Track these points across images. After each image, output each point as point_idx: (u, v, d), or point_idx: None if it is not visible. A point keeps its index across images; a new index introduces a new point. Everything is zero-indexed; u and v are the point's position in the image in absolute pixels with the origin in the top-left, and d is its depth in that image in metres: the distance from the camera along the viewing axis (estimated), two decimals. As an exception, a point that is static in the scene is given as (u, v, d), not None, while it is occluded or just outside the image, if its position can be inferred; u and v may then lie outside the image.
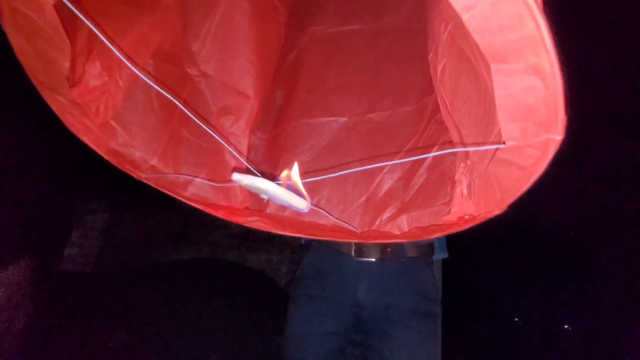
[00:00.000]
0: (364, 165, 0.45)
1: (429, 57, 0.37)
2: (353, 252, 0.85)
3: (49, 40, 0.22)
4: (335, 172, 0.43)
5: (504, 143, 0.22)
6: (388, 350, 0.83)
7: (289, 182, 0.29)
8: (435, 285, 0.92)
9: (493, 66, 0.19)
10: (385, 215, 0.40)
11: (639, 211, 0.61)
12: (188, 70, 0.46)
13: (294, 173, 0.29)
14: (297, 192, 0.29)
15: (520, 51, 0.18)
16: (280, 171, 0.45)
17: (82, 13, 0.26)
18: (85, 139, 0.29)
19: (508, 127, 0.21)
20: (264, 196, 0.30)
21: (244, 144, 0.43)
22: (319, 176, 0.45)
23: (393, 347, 0.83)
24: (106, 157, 0.31)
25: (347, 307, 0.87)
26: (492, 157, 0.24)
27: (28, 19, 0.21)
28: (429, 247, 0.88)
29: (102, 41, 0.24)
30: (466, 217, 0.30)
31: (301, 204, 0.29)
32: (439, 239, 0.92)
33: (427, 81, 0.39)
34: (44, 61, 0.24)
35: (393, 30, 0.45)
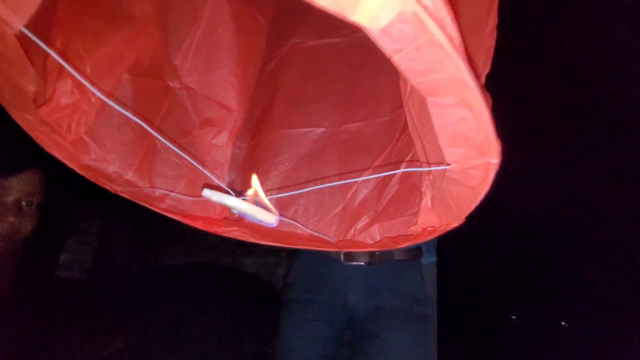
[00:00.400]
0: (340, 175, 0.46)
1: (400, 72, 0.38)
2: (342, 256, 0.86)
3: (13, 64, 0.23)
4: (312, 183, 0.44)
5: (449, 165, 0.23)
6: (378, 352, 0.84)
7: (256, 198, 0.30)
8: (424, 288, 0.93)
9: (428, 99, 0.20)
10: (360, 224, 0.41)
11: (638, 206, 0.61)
12: (170, 83, 0.47)
13: (259, 189, 0.30)
14: (265, 207, 0.30)
15: (448, 88, 0.19)
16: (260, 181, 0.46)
17: (52, 30, 0.27)
18: (57, 155, 0.30)
19: (450, 151, 0.22)
20: (234, 211, 0.31)
21: (226, 155, 0.44)
22: (297, 188, 0.46)
23: (383, 349, 0.84)
24: (80, 172, 0.32)
25: (337, 311, 0.88)
26: (444, 175, 0.25)
27: (-10, 45, 0.22)
28: (417, 250, 0.89)
29: (73, 59, 0.25)
30: (429, 228, 0.30)
31: (270, 218, 0.30)
32: (426, 243, 0.94)
33: (400, 93, 0.40)
34: (9, 83, 0.25)
35: (368, 44, 0.46)
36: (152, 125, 0.38)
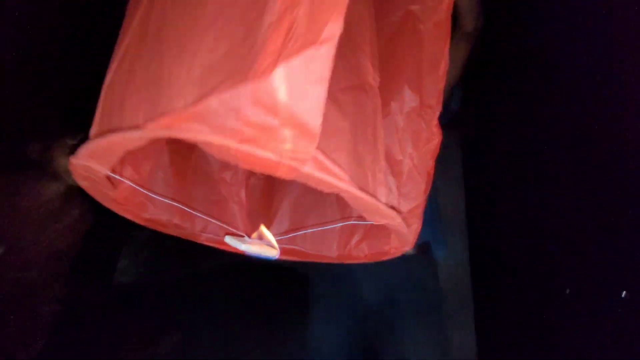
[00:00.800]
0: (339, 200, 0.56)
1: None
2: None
3: (101, 184, 0.36)
4: (316, 210, 0.55)
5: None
6: (396, 341, 0.95)
7: (262, 240, 0.42)
8: (436, 280, 1.03)
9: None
10: (353, 241, 0.52)
11: None
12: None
13: (268, 235, 0.42)
14: (271, 245, 0.42)
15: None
16: (275, 209, 0.58)
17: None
18: (125, 215, 0.44)
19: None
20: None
21: (242, 194, 0.57)
22: (305, 212, 0.57)
23: (400, 339, 0.95)
24: (142, 224, 0.46)
25: (356, 304, 1.00)
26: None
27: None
28: (425, 246, 1.00)
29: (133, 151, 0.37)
30: (392, 249, 0.41)
31: (272, 253, 0.42)
32: (435, 237, 1.04)
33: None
34: (98, 193, 0.38)
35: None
36: (185, 182, 0.51)
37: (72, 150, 0.35)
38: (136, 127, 0.25)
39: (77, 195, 0.77)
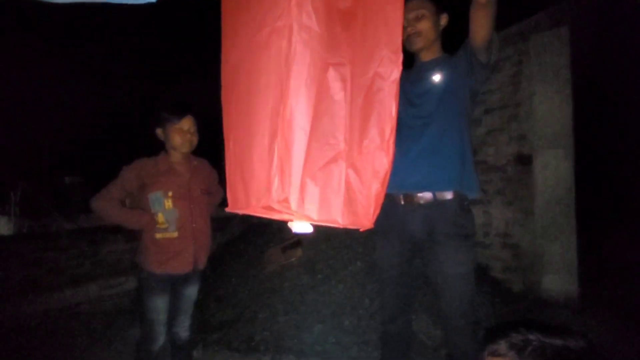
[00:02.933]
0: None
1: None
2: (402, 200, 1.40)
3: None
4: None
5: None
6: (435, 260, 1.36)
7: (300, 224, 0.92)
8: (465, 217, 1.37)
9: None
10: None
11: None
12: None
13: (304, 224, 0.92)
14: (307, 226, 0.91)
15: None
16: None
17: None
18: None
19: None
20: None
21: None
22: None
23: (438, 257, 1.35)
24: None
25: (403, 235, 1.44)
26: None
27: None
28: (457, 193, 1.35)
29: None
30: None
31: (308, 229, 0.91)
32: (466, 183, 1.39)
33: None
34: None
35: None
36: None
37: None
38: (246, 205, 0.79)
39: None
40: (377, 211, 0.86)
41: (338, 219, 0.80)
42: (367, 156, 0.84)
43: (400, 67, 0.84)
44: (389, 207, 1.29)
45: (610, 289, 3.12)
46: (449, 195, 1.35)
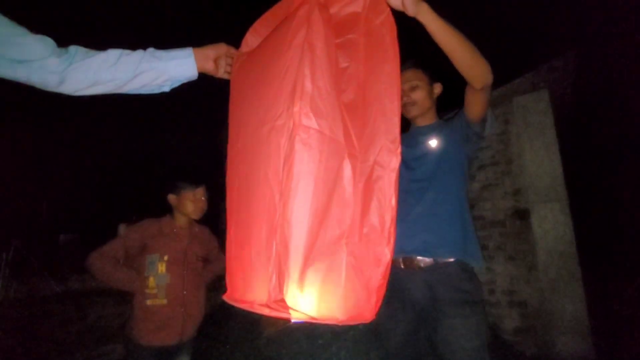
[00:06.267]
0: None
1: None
2: (402, 264, 1.35)
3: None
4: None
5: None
6: (442, 332, 1.25)
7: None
8: (471, 281, 1.30)
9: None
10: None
11: None
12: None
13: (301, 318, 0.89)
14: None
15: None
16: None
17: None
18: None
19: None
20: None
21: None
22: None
23: (443, 329, 1.24)
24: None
25: (407, 302, 1.37)
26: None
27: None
28: (459, 261, 1.31)
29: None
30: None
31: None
32: (466, 255, 1.32)
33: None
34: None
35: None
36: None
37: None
38: (243, 298, 0.77)
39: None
40: (379, 303, 0.84)
41: (338, 315, 0.78)
42: (367, 245, 0.84)
43: (400, 157, 0.87)
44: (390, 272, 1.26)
45: (625, 346, 2.96)
46: (450, 259, 1.30)
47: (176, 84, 1.05)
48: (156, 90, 1.03)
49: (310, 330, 2.90)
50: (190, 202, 1.73)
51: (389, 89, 0.88)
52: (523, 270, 3.16)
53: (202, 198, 1.77)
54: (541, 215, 3.16)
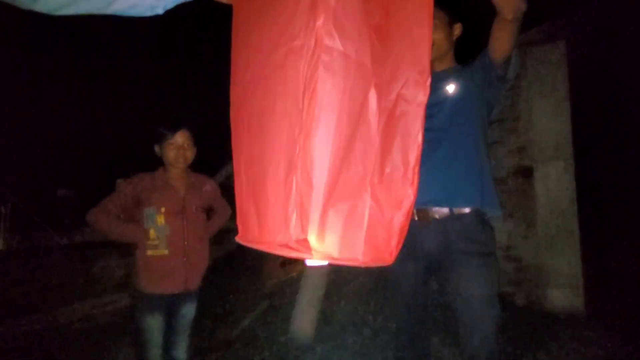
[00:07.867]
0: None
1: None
2: (416, 217, 1.32)
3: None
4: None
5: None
6: (453, 281, 1.24)
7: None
8: (485, 232, 1.27)
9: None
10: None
11: None
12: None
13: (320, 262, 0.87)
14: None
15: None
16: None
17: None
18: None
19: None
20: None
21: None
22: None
23: (456, 278, 1.23)
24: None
25: (418, 254, 1.34)
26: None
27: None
28: (476, 210, 1.27)
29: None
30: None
31: (323, 262, 0.86)
32: (487, 201, 1.28)
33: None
34: None
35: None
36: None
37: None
38: (260, 239, 0.73)
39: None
40: (400, 246, 0.81)
41: (359, 256, 0.75)
42: (389, 185, 0.79)
43: (428, 90, 0.78)
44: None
45: (616, 303, 3.09)
46: (466, 210, 1.27)
47: (170, 5, 0.91)
48: (149, 12, 0.90)
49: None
50: (171, 149, 1.64)
51: (418, 13, 0.78)
52: (522, 226, 3.20)
53: (184, 144, 1.66)
54: (545, 173, 3.13)
